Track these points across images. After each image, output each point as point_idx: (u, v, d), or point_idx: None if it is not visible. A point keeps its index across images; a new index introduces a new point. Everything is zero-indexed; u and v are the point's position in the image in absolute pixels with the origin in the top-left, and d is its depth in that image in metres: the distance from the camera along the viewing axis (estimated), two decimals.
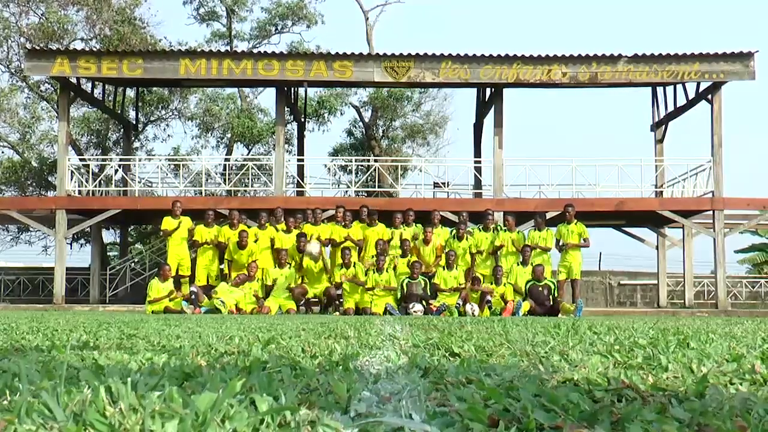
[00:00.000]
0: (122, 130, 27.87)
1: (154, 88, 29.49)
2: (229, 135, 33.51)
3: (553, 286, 15.00)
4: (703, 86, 21.71)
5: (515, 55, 21.20)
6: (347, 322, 6.34)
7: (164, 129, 33.50)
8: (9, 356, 2.47)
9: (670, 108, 23.56)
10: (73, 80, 22.21)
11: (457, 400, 1.55)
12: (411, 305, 14.38)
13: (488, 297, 15.20)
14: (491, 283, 15.45)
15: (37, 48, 22.29)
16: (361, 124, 34.60)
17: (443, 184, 24.14)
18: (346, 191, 25.84)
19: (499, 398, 1.53)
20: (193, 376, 1.84)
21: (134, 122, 28.01)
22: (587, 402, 1.50)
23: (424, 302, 14.60)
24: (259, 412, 1.34)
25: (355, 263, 15.64)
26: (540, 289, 14.85)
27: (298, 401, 1.47)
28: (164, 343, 3.18)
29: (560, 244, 16.03)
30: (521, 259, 15.73)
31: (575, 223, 15.90)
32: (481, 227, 15.95)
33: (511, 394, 1.60)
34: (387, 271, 15.19)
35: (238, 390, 1.44)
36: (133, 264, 27.92)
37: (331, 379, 1.71)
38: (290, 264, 15.96)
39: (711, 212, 21.37)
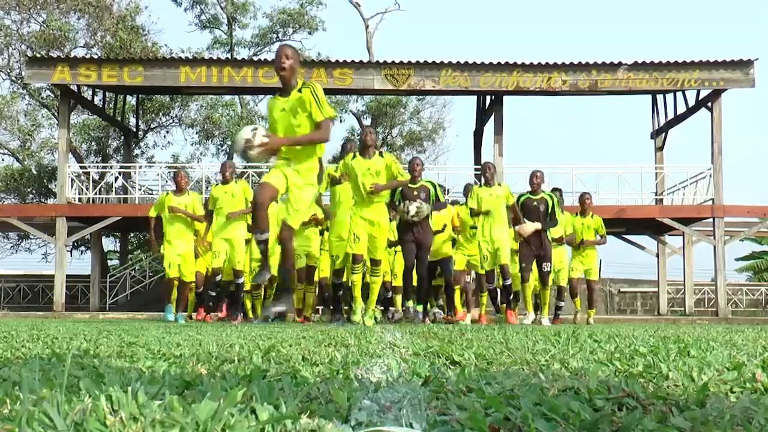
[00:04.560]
0: (122, 137, 27.90)
1: (155, 96, 29.52)
2: (229, 142, 33.55)
3: (551, 201, 12.03)
4: (703, 94, 21.75)
5: (515, 62, 21.25)
6: (347, 330, 6.33)
7: (164, 136, 33.59)
8: (9, 364, 2.47)
9: (670, 115, 23.60)
10: (74, 88, 22.24)
11: (457, 409, 1.55)
12: (407, 203, 10.75)
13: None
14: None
15: (38, 56, 22.35)
16: (360, 131, 34.59)
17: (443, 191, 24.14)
18: None
19: (499, 407, 1.53)
20: (193, 384, 1.84)
21: (134, 129, 28.05)
22: (588, 411, 1.50)
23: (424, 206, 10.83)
24: (260, 421, 1.34)
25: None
26: (535, 204, 12.03)
27: (299, 410, 1.47)
28: (164, 351, 3.18)
29: (568, 237, 13.53)
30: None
31: (591, 216, 13.63)
32: None
33: (511, 403, 1.59)
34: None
35: (239, 399, 1.44)
36: (133, 272, 27.92)
37: (332, 387, 1.70)
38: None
39: (711, 220, 21.38)
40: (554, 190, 13.36)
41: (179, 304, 12.95)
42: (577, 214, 13.69)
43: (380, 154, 10.07)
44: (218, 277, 12.52)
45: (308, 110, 7.28)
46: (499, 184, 12.26)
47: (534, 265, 12.16)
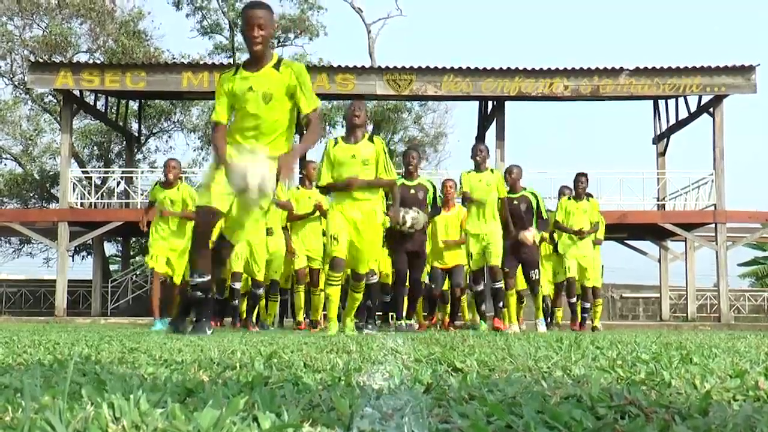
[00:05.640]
0: (125, 142, 27.93)
1: (157, 101, 29.56)
2: None
3: (534, 200, 10.76)
4: (705, 99, 21.76)
5: (517, 68, 21.27)
6: (349, 336, 6.33)
7: (166, 141, 33.60)
8: (11, 371, 2.46)
9: (672, 121, 23.62)
10: (76, 93, 22.27)
11: (459, 417, 1.55)
12: (402, 213, 9.05)
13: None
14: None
15: (41, 61, 22.39)
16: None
17: None
18: None
19: (501, 415, 1.53)
20: (195, 391, 1.84)
21: (137, 134, 28.07)
22: (590, 419, 1.50)
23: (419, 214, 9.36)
24: (262, 429, 1.34)
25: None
26: (515, 203, 10.67)
27: (301, 418, 1.47)
28: (166, 357, 3.18)
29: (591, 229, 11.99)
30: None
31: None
32: None
33: (514, 411, 1.59)
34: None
35: (241, 407, 1.44)
36: (134, 276, 27.92)
37: (334, 395, 1.70)
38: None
39: (713, 225, 21.37)
40: (564, 188, 12.59)
41: (164, 309, 11.25)
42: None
43: (370, 138, 7.91)
44: (236, 285, 10.71)
45: (290, 97, 5.81)
46: (492, 171, 10.47)
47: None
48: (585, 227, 11.80)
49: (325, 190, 8.11)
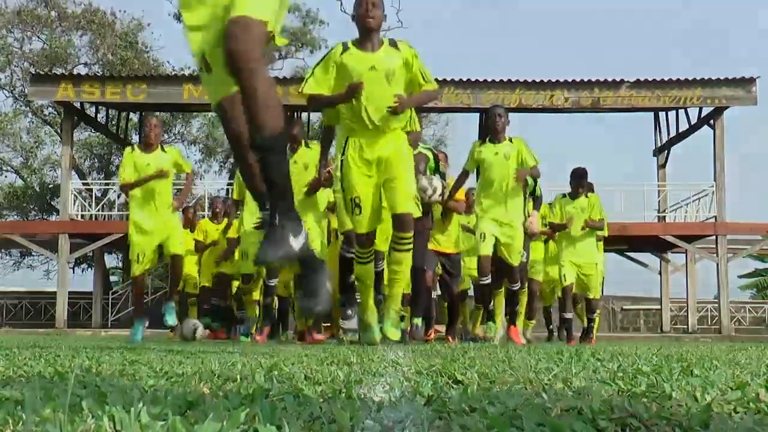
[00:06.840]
0: None
1: (157, 113, 29.60)
2: (231, 160, 33.58)
3: (531, 182, 9.10)
4: (706, 111, 21.78)
5: (517, 80, 21.30)
6: (350, 348, 6.31)
7: None
8: (11, 383, 2.46)
9: (673, 133, 23.62)
10: (77, 105, 22.30)
11: (460, 429, 1.55)
12: (425, 179, 7.51)
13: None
14: None
15: (41, 73, 22.42)
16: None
17: None
18: None
19: (502, 427, 1.52)
20: (196, 404, 1.84)
21: None
22: (591, 431, 1.49)
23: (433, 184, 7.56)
24: None
25: None
26: None
27: (302, 430, 1.47)
28: (166, 369, 3.18)
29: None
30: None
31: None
32: None
33: (514, 423, 1.59)
34: None
35: (242, 420, 1.44)
36: None
37: (335, 407, 1.70)
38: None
39: (714, 237, 21.36)
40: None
41: (171, 293, 9.30)
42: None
43: (394, 44, 5.92)
44: (272, 282, 9.03)
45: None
46: (511, 140, 8.33)
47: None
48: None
49: (312, 102, 5.96)
